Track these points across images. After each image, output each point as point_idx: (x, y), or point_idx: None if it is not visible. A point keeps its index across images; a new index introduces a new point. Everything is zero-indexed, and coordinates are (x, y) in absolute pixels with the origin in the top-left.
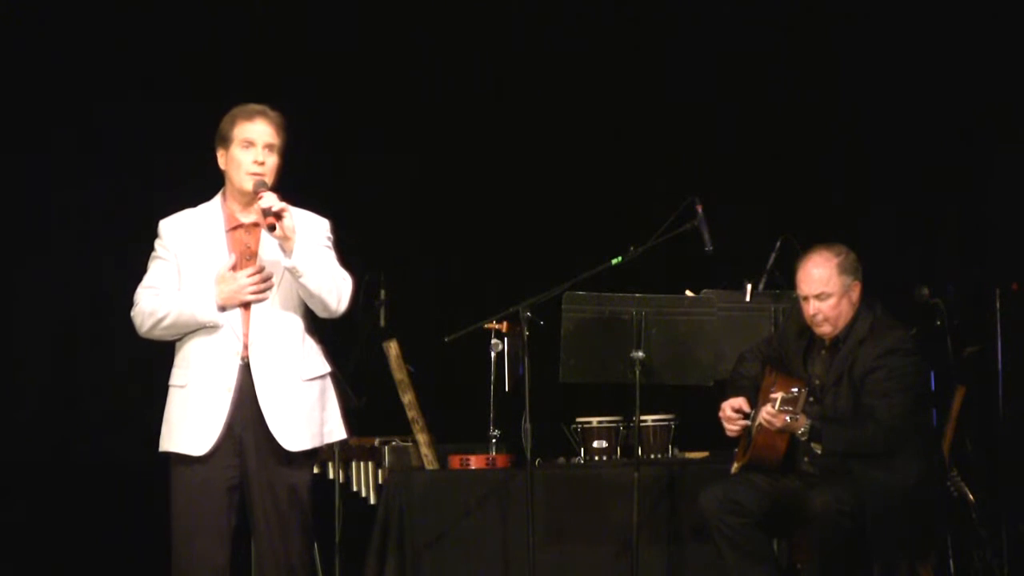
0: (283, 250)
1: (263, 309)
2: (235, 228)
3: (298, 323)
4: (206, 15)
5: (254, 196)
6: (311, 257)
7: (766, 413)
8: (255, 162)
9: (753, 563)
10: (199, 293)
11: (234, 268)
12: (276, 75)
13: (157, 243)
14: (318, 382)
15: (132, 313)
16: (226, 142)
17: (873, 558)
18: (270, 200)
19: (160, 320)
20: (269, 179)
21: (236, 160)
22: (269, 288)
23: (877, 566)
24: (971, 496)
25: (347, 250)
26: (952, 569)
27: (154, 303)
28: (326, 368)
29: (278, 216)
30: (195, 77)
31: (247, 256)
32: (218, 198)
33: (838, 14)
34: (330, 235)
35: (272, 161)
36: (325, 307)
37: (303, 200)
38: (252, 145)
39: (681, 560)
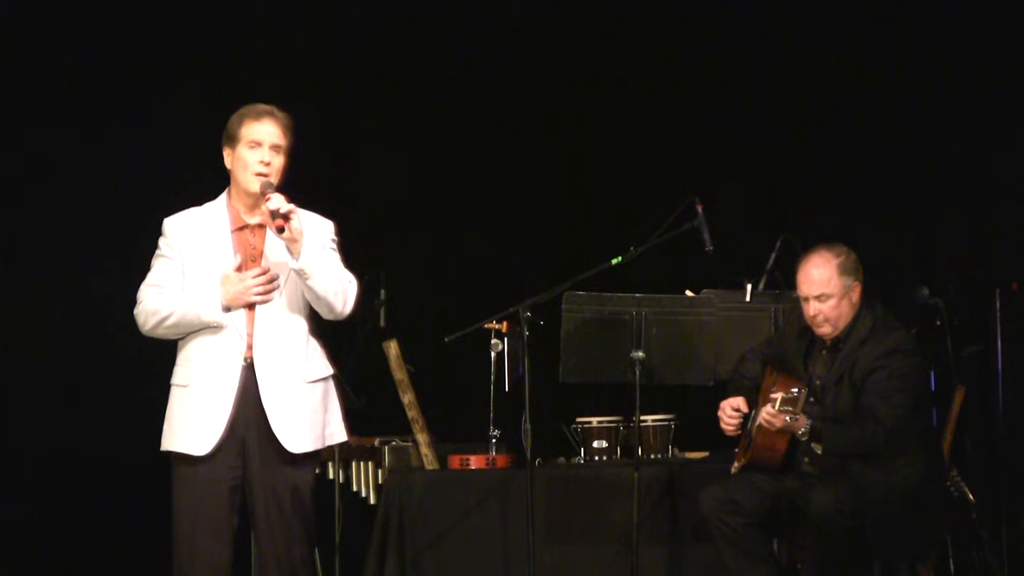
0: (291, 252)
1: (268, 310)
2: (241, 228)
3: (303, 325)
4: (210, 13)
5: (261, 197)
6: (318, 259)
7: (766, 413)
8: (261, 163)
9: (753, 563)
10: (204, 293)
11: (239, 269)
12: (277, 74)
13: (162, 241)
14: (321, 384)
15: (135, 311)
16: (233, 141)
17: (873, 558)
18: (278, 202)
19: (164, 319)
20: (275, 180)
21: (243, 160)
22: (275, 289)
23: (877, 566)
24: (971, 496)
25: (347, 250)
26: (952, 569)
27: (158, 302)
28: (329, 370)
29: (286, 218)
30: (198, 75)
31: (252, 257)
32: (223, 197)
33: (839, 12)
34: (335, 236)
35: (278, 162)
36: (331, 309)
37: (303, 200)
38: (259, 146)
39: (681, 560)
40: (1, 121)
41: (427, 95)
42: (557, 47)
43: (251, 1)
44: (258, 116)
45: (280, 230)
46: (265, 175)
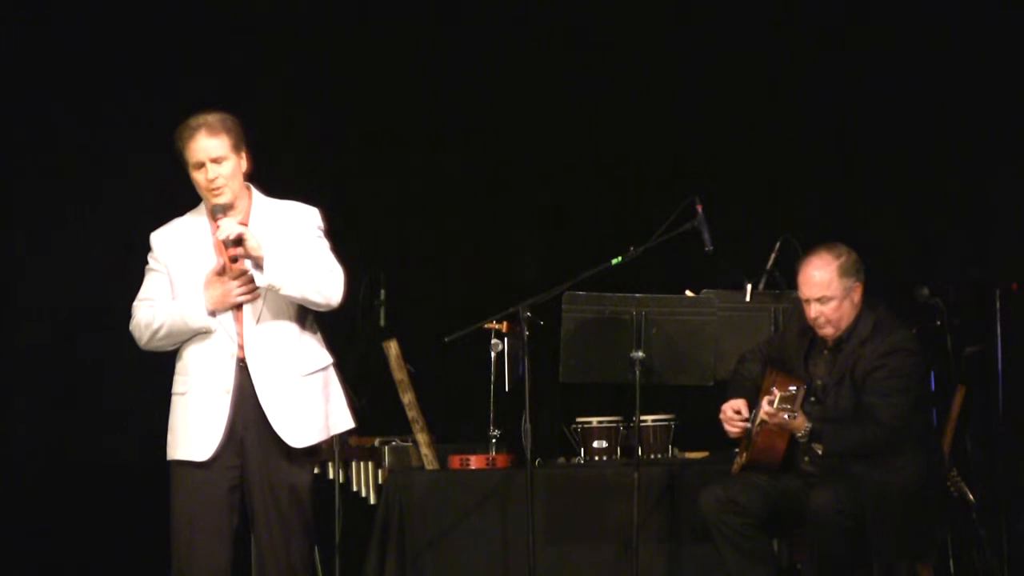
0: (255, 268)
1: (255, 309)
2: None
3: (292, 319)
4: (206, 16)
5: (214, 221)
6: (285, 267)
7: (765, 411)
8: (208, 180)
9: (753, 563)
10: (189, 300)
11: (221, 271)
12: (276, 75)
13: (149, 256)
14: (319, 375)
15: (131, 327)
16: (184, 163)
17: (873, 558)
18: (227, 228)
19: (156, 331)
20: (235, 180)
21: (196, 181)
22: (258, 288)
23: (877, 566)
24: (971, 496)
25: (347, 250)
26: (952, 569)
27: (149, 314)
28: (327, 360)
29: (238, 243)
30: (197, 78)
31: (234, 257)
32: (203, 204)
33: (837, 15)
34: (321, 224)
35: (228, 168)
36: (316, 306)
37: (303, 200)
38: (202, 166)
39: (681, 560)
40: (2, 124)
41: (427, 95)
42: (556, 46)
43: (248, 4)
44: (192, 135)
45: (233, 260)
46: (216, 191)
